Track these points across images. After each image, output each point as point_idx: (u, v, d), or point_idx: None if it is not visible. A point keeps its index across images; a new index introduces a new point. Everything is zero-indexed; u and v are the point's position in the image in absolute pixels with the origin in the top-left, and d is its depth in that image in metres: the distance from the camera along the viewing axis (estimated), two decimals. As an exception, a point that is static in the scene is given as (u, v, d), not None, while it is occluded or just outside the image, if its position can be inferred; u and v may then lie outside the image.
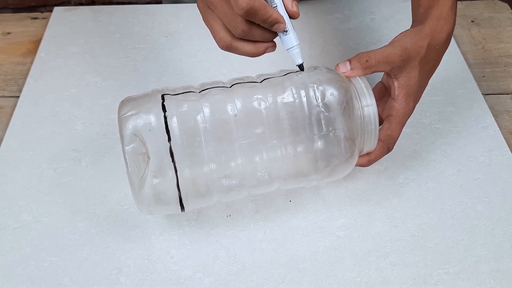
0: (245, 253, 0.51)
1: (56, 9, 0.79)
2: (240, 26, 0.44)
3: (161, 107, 0.46)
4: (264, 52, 0.47)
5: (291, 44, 0.47)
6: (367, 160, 0.53)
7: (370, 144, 0.51)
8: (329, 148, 0.48)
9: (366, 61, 0.49)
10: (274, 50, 0.48)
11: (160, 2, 0.84)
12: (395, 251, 0.51)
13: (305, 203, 0.55)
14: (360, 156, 0.52)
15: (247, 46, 0.46)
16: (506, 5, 0.80)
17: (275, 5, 0.46)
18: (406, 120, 0.52)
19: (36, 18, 0.78)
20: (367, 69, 0.50)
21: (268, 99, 0.47)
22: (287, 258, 0.51)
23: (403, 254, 0.51)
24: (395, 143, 0.53)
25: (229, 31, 0.46)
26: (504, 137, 0.61)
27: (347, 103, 0.48)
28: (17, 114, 0.64)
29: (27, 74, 0.69)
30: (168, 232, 0.53)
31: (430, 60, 0.52)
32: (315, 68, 0.51)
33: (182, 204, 0.48)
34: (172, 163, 0.45)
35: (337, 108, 0.48)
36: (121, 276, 0.49)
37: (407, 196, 0.55)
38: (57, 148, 0.60)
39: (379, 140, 0.52)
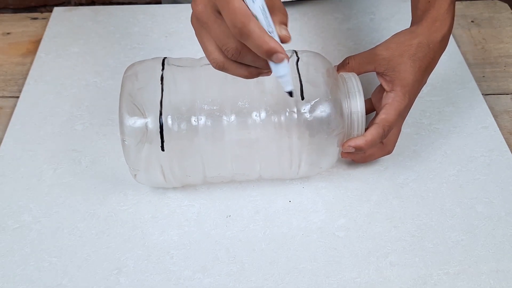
0: (245, 254, 0.51)
1: (56, 9, 0.79)
2: (231, 50, 0.42)
3: (162, 59, 0.53)
4: (257, 76, 0.45)
5: (281, 72, 0.42)
6: (364, 140, 0.52)
7: (356, 130, 0.52)
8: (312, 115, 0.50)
9: (348, 63, 0.54)
10: (270, 75, 0.44)
11: (160, 3, 0.84)
12: (395, 252, 0.51)
13: (305, 203, 0.55)
14: (354, 138, 0.52)
15: (240, 70, 0.44)
16: (506, 5, 0.80)
17: (271, 29, 0.41)
18: (403, 110, 0.53)
19: (36, 18, 0.78)
20: (350, 71, 0.54)
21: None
22: (287, 259, 0.51)
23: (403, 254, 0.51)
24: (390, 128, 0.53)
25: (222, 52, 0.43)
26: (504, 137, 0.61)
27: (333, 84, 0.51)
28: (17, 114, 0.64)
29: (27, 74, 0.69)
30: (167, 233, 0.53)
31: (424, 57, 0.53)
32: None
33: (161, 124, 0.48)
34: (160, 84, 0.50)
35: (322, 79, 0.50)
36: (120, 277, 0.49)
37: (407, 196, 0.55)
38: (57, 148, 0.60)
39: (375, 122, 0.52)
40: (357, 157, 0.56)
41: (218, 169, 0.53)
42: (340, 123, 0.51)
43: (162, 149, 0.49)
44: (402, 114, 0.53)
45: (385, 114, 0.52)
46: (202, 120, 0.49)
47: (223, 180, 0.54)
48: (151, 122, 0.49)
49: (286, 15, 0.42)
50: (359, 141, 0.52)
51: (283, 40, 0.42)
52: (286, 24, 0.42)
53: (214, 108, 0.50)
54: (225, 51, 0.42)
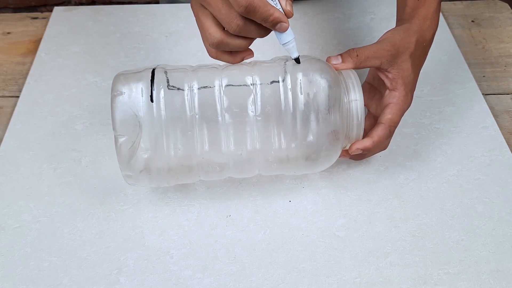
0: (245, 253, 0.51)
1: (56, 9, 0.79)
2: (235, 21, 0.44)
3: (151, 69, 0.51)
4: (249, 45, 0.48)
5: (287, 39, 0.48)
6: (371, 142, 0.52)
7: (355, 134, 0.52)
8: (310, 132, 0.49)
9: (357, 55, 0.52)
10: (252, 56, 0.49)
11: (158, 2, 0.84)
12: (395, 252, 0.51)
13: (305, 203, 0.55)
14: (361, 140, 0.52)
15: (238, 41, 0.47)
16: (506, 5, 0.80)
17: (275, 2, 0.46)
18: (405, 110, 0.53)
19: (36, 18, 0.78)
20: (357, 63, 0.52)
21: (254, 78, 0.50)
22: (287, 258, 0.51)
23: (403, 254, 0.51)
24: (395, 127, 0.53)
25: (219, 28, 0.46)
26: (504, 137, 0.61)
27: (334, 95, 0.50)
28: (17, 114, 0.64)
29: (27, 74, 0.69)
30: (167, 232, 0.53)
31: (421, 56, 0.54)
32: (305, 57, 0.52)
33: (152, 87, 0.48)
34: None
35: (323, 99, 0.49)
36: (121, 276, 0.49)
37: (407, 196, 0.55)
38: (57, 148, 0.60)
39: (381, 123, 0.52)
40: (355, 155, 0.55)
41: (210, 146, 0.50)
42: (335, 84, 0.50)
43: (151, 100, 0.48)
44: (404, 113, 0.53)
45: (391, 114, 0.52)
46: (195, 89, 0.49)
47: (219, 170, 0.52)
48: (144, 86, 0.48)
49: None
50: (367, 143, 0.52)
51: (286, 15, 0.46)
52: (292, 0, 0.46)
53: (207, 73, 0.50)
54: (227, 24, 0.45)
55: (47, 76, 0.69)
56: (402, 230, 0.53)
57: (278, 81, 0.49)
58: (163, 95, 0.48)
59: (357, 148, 0.52)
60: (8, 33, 0.76)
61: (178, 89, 0.49)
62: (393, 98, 0.53)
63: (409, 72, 0.53)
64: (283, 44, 0.48)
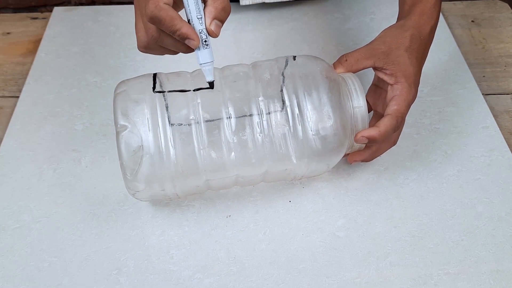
0: (245, 254, 0.51)
1: (56, 9, 0.79)
2: (150, 31, 0.45)
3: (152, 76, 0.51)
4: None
5: (203, 59, 0.46)
6: (377, 131, 0.50)
7: (361, 125, 0.51)
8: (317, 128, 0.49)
9: (346, 60, 0.53)
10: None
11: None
12: (395, 252, 0.51)
13: (305, 203, 0.55)
14: (367, 129, 0.51)
15: (160, 50, 0.47)
16: (506, 5, 0.80)
17: (200, 16, 0.44)
18: (411, 100, 0.52)
19: (36, 18, 0.79)
20: (348, 67, 0.53)
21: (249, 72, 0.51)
22: (287, 259, 0.51)
23: (403, 254, 0.51)
24: (403, 118, 0.52)
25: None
26: (504, 137, 0.61)
27: (336, 93, 0.50)
28: (17, 114, 0.64)
29: (27, 74, 0.69)
30: (167, 233, 0.53)
31: (418, 49, 0.54)
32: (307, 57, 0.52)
33: (155, 82, 0.49)
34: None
35: (326, 96, 0.49)
36: (120, 277, 0.49)
37: (407, 197, 0.55)
38: (57, 148, 0.60)
39: (387, 113, 0.51)
40: (365, 155, 0.54)
41: (218, 169, 0.51)
42: (336, 93, 0.50)
43: (154, 91, 0.48)
44: (410, 105, 0.52)
45: (397, 105, 0.51)
46: (201, 122, 0.48)
47: (225, 181, 0.53)
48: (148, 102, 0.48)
49: (224, 12, 0.45)
50: (373, 132, 0.50)
51: (210, 35, 0.45)
52: (220, 20, 0.45)
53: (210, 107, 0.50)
54: (147, 33, 0.45)
55: (47, 76, 0.69)
56: (402, 230, 0.53)
57: (279, 110, 0.49)
58: (170, 135, 0.48)
59: (363, 136, 0.50)
60: (8, 33, 0.76)
61: (181, 124, 0.48)
62: (396, 91, 0.52)
63: (407, 65, 0.52)
64: (199, 64, 0.46)
